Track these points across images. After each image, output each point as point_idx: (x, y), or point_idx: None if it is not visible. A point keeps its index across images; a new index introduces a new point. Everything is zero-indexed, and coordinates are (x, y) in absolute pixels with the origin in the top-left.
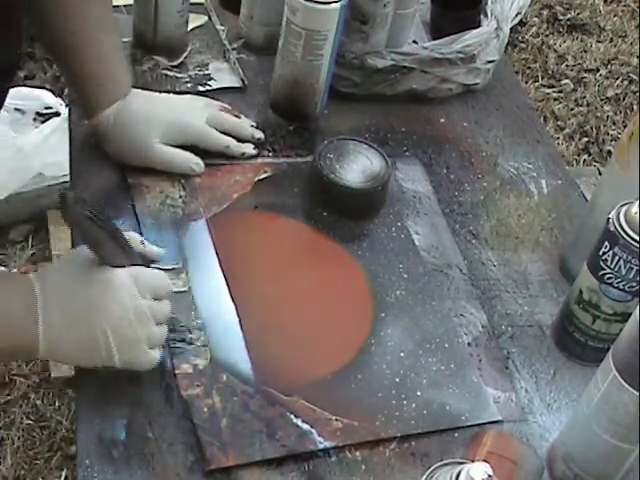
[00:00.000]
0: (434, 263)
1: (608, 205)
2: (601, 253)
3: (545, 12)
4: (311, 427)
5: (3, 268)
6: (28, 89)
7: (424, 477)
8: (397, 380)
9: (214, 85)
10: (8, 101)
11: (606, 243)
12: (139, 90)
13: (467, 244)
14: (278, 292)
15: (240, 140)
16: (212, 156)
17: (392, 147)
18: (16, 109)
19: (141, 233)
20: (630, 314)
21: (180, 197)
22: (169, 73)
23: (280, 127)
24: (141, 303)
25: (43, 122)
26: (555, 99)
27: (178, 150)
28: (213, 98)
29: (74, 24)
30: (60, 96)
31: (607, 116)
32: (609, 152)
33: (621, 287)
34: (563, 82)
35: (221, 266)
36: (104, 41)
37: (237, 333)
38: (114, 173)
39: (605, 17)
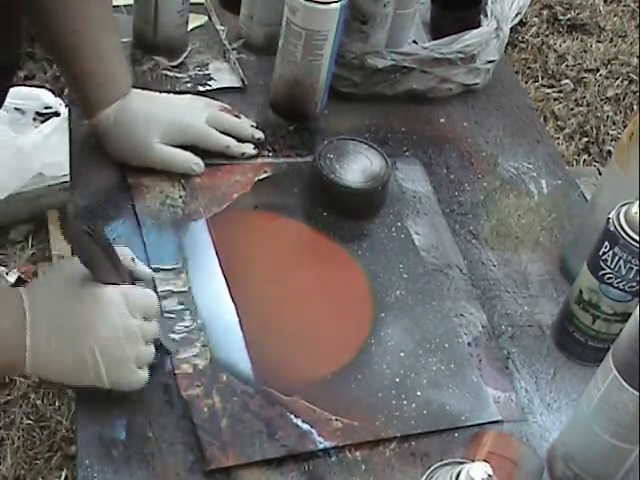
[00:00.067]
0: (434, 263)
1: (608, 205)
2: (601, 253)
3: (545, 12)
4: (311, 427)
5: (3, 268)
6: (28, 88)
7: (424, 477)
8: (397, 380)
9: (214, 85)
10: (8, 100)
11: (606, 243)
12: (139, 90)
13: (467, 244)
14: (278, 292)
15: (240, 140)
16: (212, 156)
17: (392, 147)
18: (16, 109)
19: (141, 233)
20: (630, 314)
21: (180, 197)
22: (169, 73)
23: (280, 127)
24: (131, 322)
25: (43, 122)
26: (555, 99)
27: (178, 150)
28: (213, 98)
29: (74, 24)
30: (60, 96)
31: (607, 116)
32: (609, 152)
33: (621, 287)
34: (563, 82)
35: (221, 266)
36: (104, 41)
37: (237, 333)
38: (114, 173)
39: (605, 17)
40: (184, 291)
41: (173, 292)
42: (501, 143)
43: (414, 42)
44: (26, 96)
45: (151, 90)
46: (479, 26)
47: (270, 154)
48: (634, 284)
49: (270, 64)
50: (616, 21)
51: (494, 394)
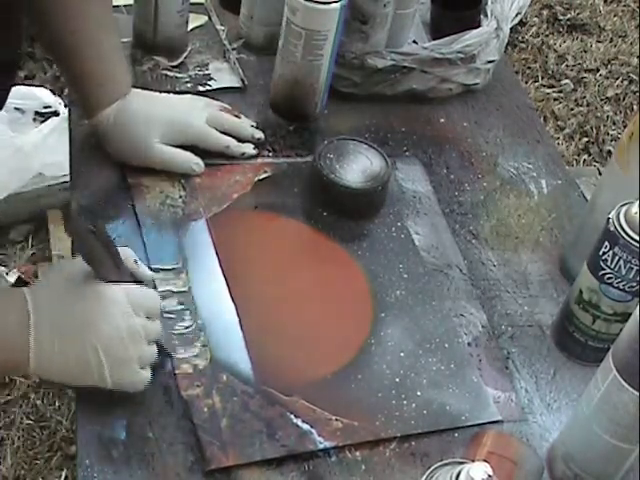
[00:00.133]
0: (434, 263)
1: (608, 205)
2: (601, 253)
3: (545, 12)
4: (311, 427)
5: (3, 268)
6: (27, 88)
7: (424, 477)
8: (397, 380)
9: (214, 85)
10: (8, 100)
11: (606, 243)
12: (139, 90)
13: (467, 244)
14: (278, 292)
15: (240, 140)
16: (212, 156)
17: (392, 147)
18: (15, 108)
19: (141, 233)
20: (630, 314)
21: (180, 197)
22: (169, 73)
23: (280, 127)
24: (134, 322)
25: (42, 121)
26: (555, 99)
27: (178, 150)
28: (213, 98)
29: (74, 24)
30: (60, 96)
31: (607, 116)
32: (609, 152)
33: (621, 287)
34: (563, 82)
35: (221, 266)
36: (104, 41)
37: (237, 333)
38: (114, 173)
39: (605, 17)
40: (184, 291)
41: (173, 292)
42: (501, 143)
43: (414, 42)
44: (25, 96)
45: (151, 90)
46: (479, 26)
47: (270, 154)
48: (634, 284)
49: (270, 64)
50: (616, 21)
51: (494, 394)
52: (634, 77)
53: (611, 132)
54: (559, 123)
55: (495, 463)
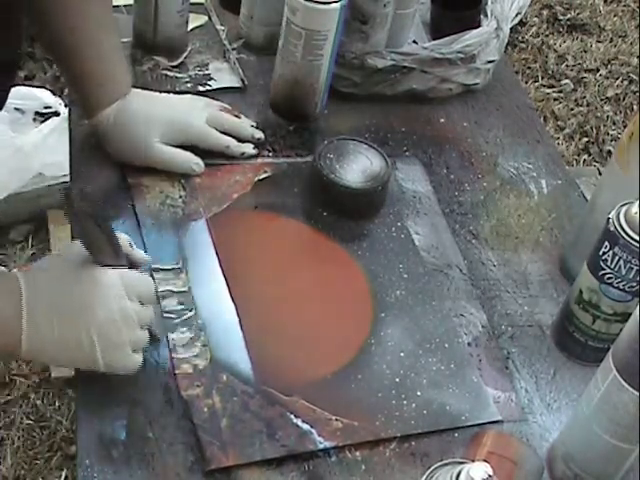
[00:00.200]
0: (434, 263)
1: (608, 205)
2: (601, 253)
3: (545, 12)
4: (311, 427)
5: (3, 268)
6: (27, 88)
7: (424, 477)
8: (397, 380)
9: (214, 85)
10: (8, 100)
11: (606, 243)
12: (139, 90)
13: (467, 244)
14: (278, 292)
15: (240, 140)
16: (212, 156)
17: (392, 147)
18: (16, 109)
19: (141, 233)
20: (630, 314)
21: (180, 197)
22: (169, 73)
23: (280, 127)
24: (127, 305)
25: (43, 122)
26: (555, 99)
27: (178, 150)
28: (213, 98)
29: (74, 24)
30: (60, 96)
31: (607, 116)
32: (609, 152)
33: (621, 287)
34: (563, 82)
35: (221, 266)
36: (104, 41)
37: (237, 333)
38: (114, 173)
39: (605, 17)
40: (184, 291)
41: (173, 292)
42: (501, 143)
43: (414, 42)
44: (26, 96)
45: (151, 90)
46: (479, 26)
47: (270, 154)
48: (634, 284)
49: (270, 64)
50: (616, 21)
51: (494, 394)
52: (634, 77)
53: (611, 132)
54: (559, 123)
55: (495, 463)
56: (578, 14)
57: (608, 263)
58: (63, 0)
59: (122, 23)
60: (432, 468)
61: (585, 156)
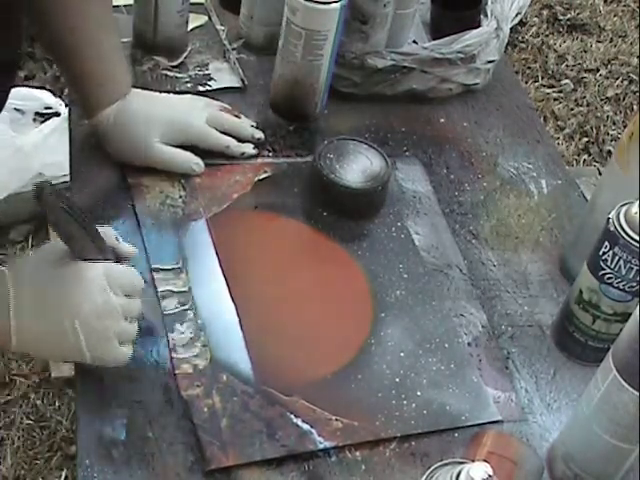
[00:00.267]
0: (434, 263)
1: (608, 205)
2: (601, 253)
3: (545, 12)
4: (311, 427)
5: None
6: (28, 89)
7: (424, 477)
8: (397, 380)
9: (214, 85)
10: (8, 101)
11: (606, 243)
12: (139, 90)
13: (467, 244)
14: (278, 292)
15: (240, 140)
16: (212, 156)
17: (392, 147)
18: (16, 109)
19: (141, 233)
20: (630, 314)
21: (180, 197)
22: (169, 73)
23: (280, 127)
24: (111, 298)
25: (43, 122)
26: (555, 99)
27: (178, 150)
28: (213, 98)
29: (74, 23)
30: (60, 96)
31: (607, 116)
32: (609, 152)
33: (621, 287)
34: (563, 82)
35: (221, 266)
36: (104, 41)
37: (237, 333)
38: (114, 173)
39: (605, 17)
40: (184, 291)
41: (173, 292)
42: (501, 143)
43: (414, 42)
44: (26, 97)
45: (151, 90)
46: (479, 26)
47: (270, 154)
48: (634, 284)
49: (270, 64)
50: (616, 21)
51: (494, 394)
52: (634, 77)
53: (611, 132)
54: (559, 123)
55: (495, 463)
56: (578, 14)
57: (608, 263)
58: (63, 0)
59: (122, 23)
60: (432, 468)
61: (585, 156)
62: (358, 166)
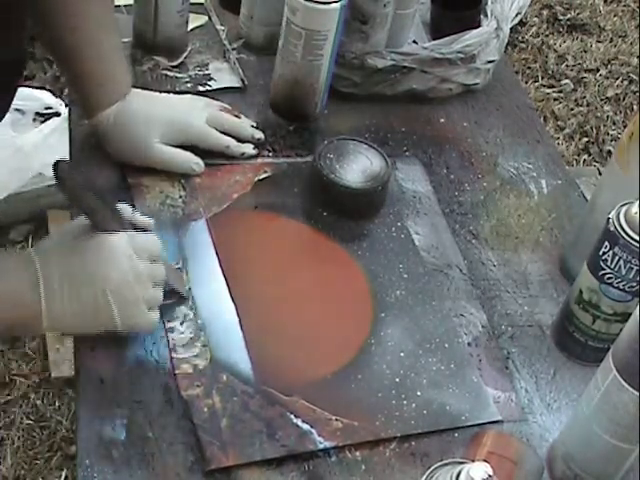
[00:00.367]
0: (434, 263)
1: (608, 205)
2: (601, 253)
3: (545, 12)
4: (311, 427)
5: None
6: (28, 90)
7: (424, 477)
8: (397, 380)
9: (214, 85)
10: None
11: (606, 243)
12: (139, 90)
13: (467, 244)
14: (278, 292)
15: (240, 140)
16: (212, 156)
17: (392, 147)
18: (16, 109)
19: None
20: (630, 314)
21: (180, 197)
22: (169, 73)
23: (280, 127)
24: (138, 264)
25: (43, 122)
26: (555, 99)
27: (178, 150)
28: (213, 98)
29: (75, 23)
30: (60, 96)
31: (607, 116)
32: (609, 152)
33: (621, 287)
34: (563, 82)
35: (221, 266)
36: (104, 41)
37: (237, 333)
38: (114, 173)
39: (605, 17)
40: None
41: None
42: (501, 143)
43: (414, 42)
44: (26, 97)
45: (151, 90)
46: (479, 26)
47: (270, 154)
48: (634, 284)
49: (270, 64)
50: (616, 21)
51: (494, 394)
52: (634, 77)
53: (611, 132)
54: (559, 123)
55: (495, 463)
56: (578, 14)
57: (608, 263)
58: (64, 0)
59: (122, 23)
60: (432, 468)
61: (585, 156)
62: (358, 166)
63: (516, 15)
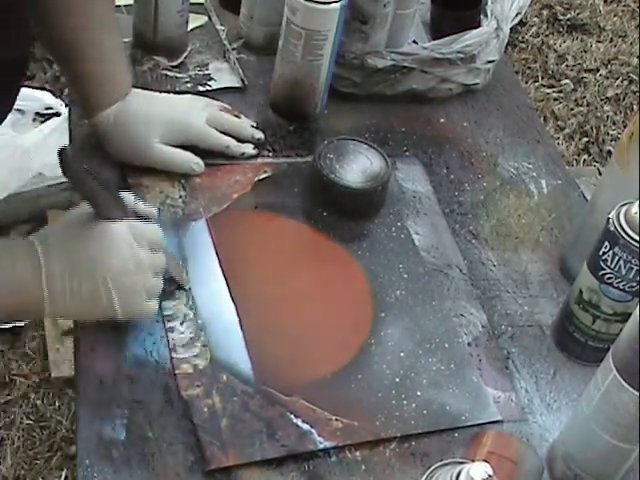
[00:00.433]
0: (434, 263)
1: (608, 205)
2: (601, 253)
3: (545, 12)
4: (311, 427)
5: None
6: (29, 90)
7: (424, 477)
8: (397, 380)
9: (214, 85)
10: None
11: (606, 243)
12: (139, 90)
13: (467, 244)
14: (278, 292)
15: (240, 140)
16: (212, 156)
17: (392, 147)
18: (16, 109)
19: None
20: (630, 314)
21: (180, 197)
22: (169, 73)
23: (280, 127)
24: (139, 252)
25: (43, 122)
26: (555, 99)
27: (178, 150)
28: (213, 98)
29: (76, 23)
30: (60, 96)
31: (607, 116)
32: (609, 152)
33: (621, 287)
34: (563, 82)
35: (221, 266)
36: (105, 41)
37: (237, 333)
38: (114, 173)
39: (605, 17)
40: (184, 291)
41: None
42: (501, 143)
43: (414, 42)
44: (26, 97)
45: (151, 90)
46: (479, 26)
47: (270, 154)
48: (634, 284)
49: (270, 64)
50: (616, 21)
51: (494, 394)
52: (634, 77)
53: (611, 132)
54: (559, 123)
55: (495, 463)
56: (578, 14)
57: (608, 263)
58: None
59: (122, 23)
60: (432, 468)
61: (585, 156)
62: (358, 166)
63: (516, 15)
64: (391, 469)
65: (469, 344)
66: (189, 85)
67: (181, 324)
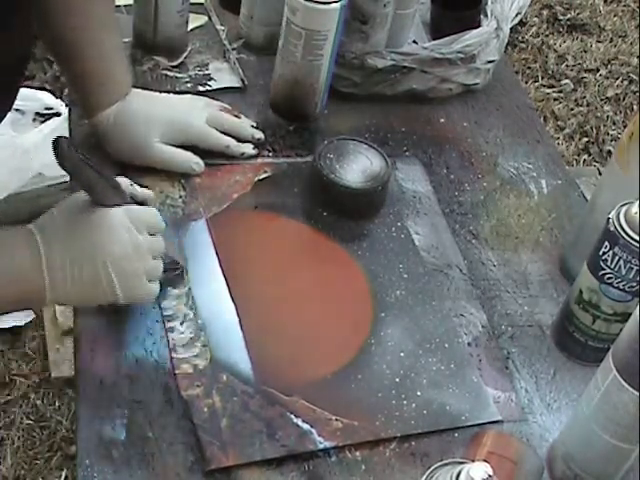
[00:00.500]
0: (434, 263)
1: (608, 205)
2: (601, 253)
3: (545, 12)
4: (311, 427)
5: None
6: (29, 90)
7: (424, 477)
8: (397, 380)
9: (214, 85)
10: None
11: (606, 243)
12: (139, 90)
13: (467, 244)
14: (278, 292)
15: (240, 140)
16: (212, 156)
17: (392, 147)
18: (16, 109)
19: None
20: (630, 314)
21: (180, 197)
22: (169, 73)
23: (280, 127)
24: (137, 236)
25: (43, 122)
26: (555, 99)
27: (178, 150)
28: (213, 98)
29: (76, 22)
30: (60, 96)
31: (607, 116)
32: (609, 152)
33: (621, 287)
34: (563, 82)
35: (221, 266)
36: (105, 40)
37: (237, 333)
38: (114, 173)
39: (605, 17)
40: (184, 291)
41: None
42: (501, 143)
43: (414, 42)
44: (26, 97)
45: (151, 90)
46: (479, 26)
47: (270, 154)
48: (634, 284)
49: (270, 64)
50: (616, 21)
51: (494, 394)
52: (634, 77)
53: (611, 132)
54: (559, 123)
55: (495, 463)
56: (578, 14)
57: (608, 263)
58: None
59: (122, 23)
60: (432, 468)
61: (585, 156)
62: (358, 166)
63: (516, 15)
64: (391, 469)
65: (469, 344)
66: (189, 85)
67: (181, 324)
